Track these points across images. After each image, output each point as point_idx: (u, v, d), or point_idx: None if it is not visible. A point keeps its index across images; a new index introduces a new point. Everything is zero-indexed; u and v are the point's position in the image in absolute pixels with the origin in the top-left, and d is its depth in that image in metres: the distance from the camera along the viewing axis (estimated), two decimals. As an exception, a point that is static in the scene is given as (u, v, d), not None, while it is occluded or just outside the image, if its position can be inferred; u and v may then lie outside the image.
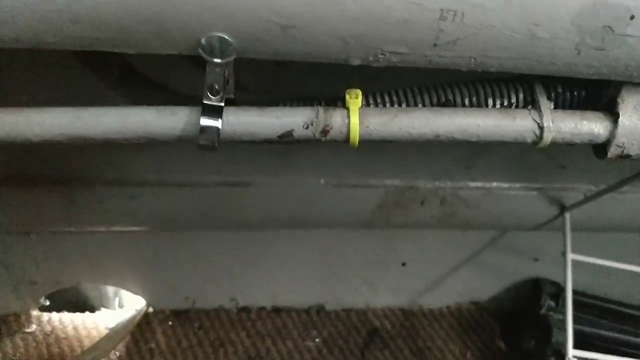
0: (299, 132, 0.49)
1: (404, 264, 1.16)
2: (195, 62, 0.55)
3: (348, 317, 1.21)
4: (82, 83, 0.65)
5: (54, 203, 0.91)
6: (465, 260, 1.16)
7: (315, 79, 0.56)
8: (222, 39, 0.41)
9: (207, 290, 1.17)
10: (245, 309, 1.20)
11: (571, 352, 0.92)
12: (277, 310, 1.20)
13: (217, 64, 0.43)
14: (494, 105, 0.52)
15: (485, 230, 1.10)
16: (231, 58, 0.43)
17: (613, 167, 0.94)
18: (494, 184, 0.97)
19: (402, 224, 1.01)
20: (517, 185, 0.97)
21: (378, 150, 0.89)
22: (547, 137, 0.50)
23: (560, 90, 0.52)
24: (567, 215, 1.00)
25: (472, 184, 0.96)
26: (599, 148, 0.52)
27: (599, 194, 0.93)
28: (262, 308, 1.20)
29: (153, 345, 1.14)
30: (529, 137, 0.50)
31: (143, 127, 0.47)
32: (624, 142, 0.50)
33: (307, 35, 0.41)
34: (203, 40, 0.42)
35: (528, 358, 1.14)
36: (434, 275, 1.19)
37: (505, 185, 0.97)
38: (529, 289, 1.20)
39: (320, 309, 1.22)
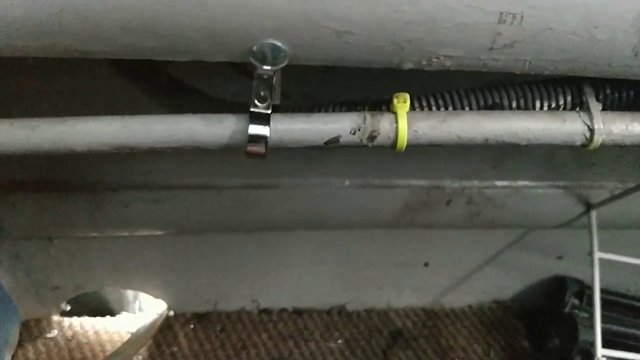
0: (346, 138, 0.48)
1: (426, 264, 1.15)
2: (237, 69, 0.54)
3: (370, 317, 1.21)
4: (114, 91, 0.65)
5: (78, 208, 0.90)
6: (487, 259, 1.15)
7: (357, 83, 0.55)
8: (274, 46, 0.41)
9: (228, 293, 1.17)
10: (266, 311, 1.19)
11: (600, 351, 0.92)
12: (298, 311, 1.20)
13: (266, 71, 0.43)
14: (542, 107, 0.51)
15: (509, 229, 1.09)
16: (282, 65, 0.42)
17: (640, 164, 0.93)
18: (521, 183, 0.96)
19: (427, 224, 1.00)
20: (544, 183, 0.96)
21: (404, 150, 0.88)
22: (598, 139, 0.49)
23: (608, 91, 0.51)
24: (594, 213, 0.99)
25: (499, 183, 0.95)
26: (649, 149, 0.51)
27: (627, 192, 0.92)
28: (284, 309, 1.20)
29: (175, 348, 1.13)
30: (579, 140, 0.49)
31: (190, 135, 0.46)
32: (675, 144, 0.50)
33: (363, 40, 0.40)
34: (255, 48, 0.41)
35: (553, 357, 1.13)
36: (456, 275, 1.18)
37: (533, 183, 0.96)
38: (552, 287, 1.19)
39: (341, 310, 1.21)
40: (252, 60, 0.42)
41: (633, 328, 1.12)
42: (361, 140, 0.48)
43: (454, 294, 1.21)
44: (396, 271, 1.15)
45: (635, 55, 0.43)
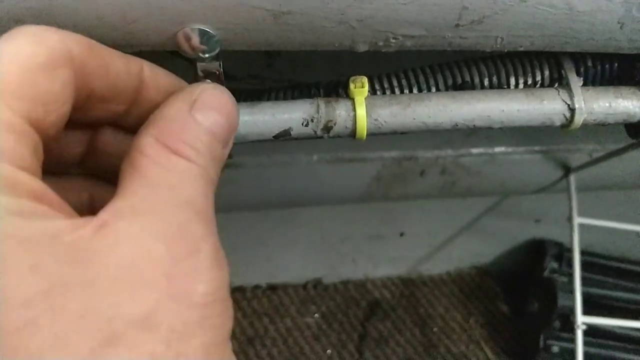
0: (298, 130, 0.42)
1: (402, 234, 1.11)
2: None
3: (346, 289, 1.18)
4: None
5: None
6: (464, 226, 1.12)
7: (311, 60, 0.49)
8: (202, 32, 0.34)
9: (199, 273, 1.12)
10: (240, 289, 1.15)
11: (580, 318, 0.90)
12: (272, 287, 1.16)
13: (203, 58, 0.37)
14: (517, 84, 0.46)
15: (486, 196, 1.05)
16: (214, 52, 0.36)
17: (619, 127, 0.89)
18: (497, 149, 0.91)
19: (401, 196, 0.96)
20: (521, 149, 0.92)
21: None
22: (579, 119, 0.44)
23: (590, 64, 0.46)
24: (572, 177, 0.96)
25: (474, 151, 0.91)
26: (633, 127, 0.47)
27: (606, 156, 0.88)
28: (257, 286, 1.16)
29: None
30: (558, 121, 0.44)
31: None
32: (662, 121, 0.45)
33: (305, 21, 0.34)
34: (180, 34, 0.34)
35: (532, 321, 1.12)
36: (433, 243, 1.15)
37: (509, 149, 0.92)
38: (531, 250, 1.17)
39: (317, 283, 1.18)
40: (179, 48, 0.35)
41: (612, 290, 1.11)
42: (315, 132, 0.43)
43: (431, 261, 1.18)
44: (372, 243, 1.11)
45: (621, 27, 0.37)
